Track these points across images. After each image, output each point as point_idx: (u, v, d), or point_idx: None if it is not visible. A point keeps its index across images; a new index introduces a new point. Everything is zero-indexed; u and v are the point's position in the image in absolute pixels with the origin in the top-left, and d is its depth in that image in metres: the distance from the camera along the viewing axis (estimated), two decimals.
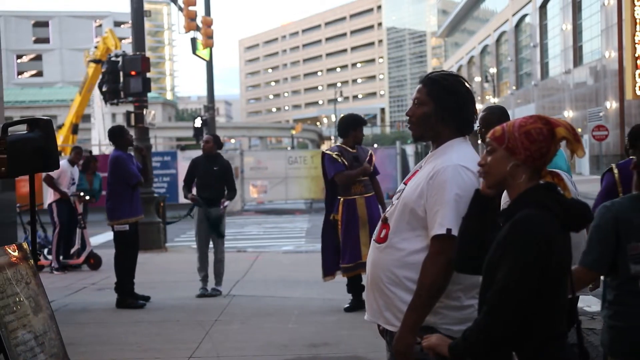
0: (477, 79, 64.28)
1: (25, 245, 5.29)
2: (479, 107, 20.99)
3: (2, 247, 5.11)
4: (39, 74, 68.07)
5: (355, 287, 7.94)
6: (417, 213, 2.85)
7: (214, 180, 9.12)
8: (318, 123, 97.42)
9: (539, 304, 2.35)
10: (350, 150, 7.91)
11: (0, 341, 4.40)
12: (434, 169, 2.87)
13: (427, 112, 2.96)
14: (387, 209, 3.03)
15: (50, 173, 10.95)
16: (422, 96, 2.99)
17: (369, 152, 8.08)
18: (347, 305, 7.95)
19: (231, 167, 9.61)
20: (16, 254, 5.07)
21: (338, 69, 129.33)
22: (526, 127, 2.47)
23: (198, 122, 27.11)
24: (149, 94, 15.11)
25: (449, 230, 2.74)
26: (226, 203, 9.20)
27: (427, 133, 3.01)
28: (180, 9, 21.43)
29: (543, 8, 48.64)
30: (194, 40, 22.43)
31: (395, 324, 2.85)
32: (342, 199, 7.86)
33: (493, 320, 2.34)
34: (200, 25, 22.18)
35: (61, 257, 11.63)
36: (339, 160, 7.82)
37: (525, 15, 52.96)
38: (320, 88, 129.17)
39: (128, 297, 8.48)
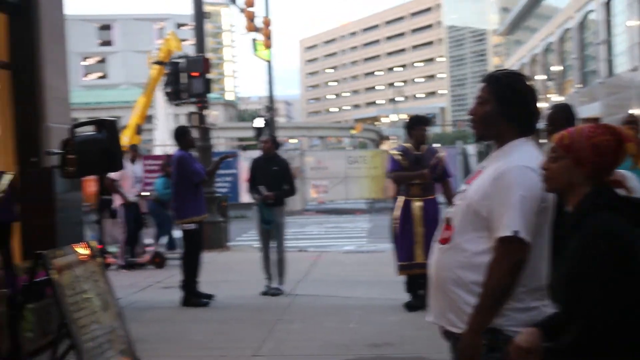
0: (541, 77, 63.21)
1: (93, 244, 5.42)
2: (543, 105, 20.66)
3: (71, 245, 5.25)
4: (104, 76, 69.54)
5: (412, 286, 7.97)
6: (480, 214, 2.82)
7: (274, 180, 9.19)
8: (377, 123, 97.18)
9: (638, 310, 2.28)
10: (415, 150, 7.92)
11: (71, 337, 4.52)
12: (499, 170, 2.83)
13: (490, 110, 2.92)
14: (450, 210, 3.00)
15: (112, 175, 11.18)
16: (485, 95, 2.95)
17: (438, 155, 8.02)
18: (407, 302, 8.00)
19: (289, 166, 9.67)
20: (85, 252, 5.20)
21: (398, 68, 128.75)
22: (595, 139, 2.43)
23: (258, 122, 27.31)
24: (210, 95, 15.29)
25: (515, 232, 2.70)
26: (266, 192, 9.15)
27: (490, 132, 2.97)
28: (240, 10, 21.64)
29: (608, 4, 47.50)
30: (253, 41, 22.62)
31: (459, 325, 2.82)
32: (401, 199, 7.91)
33: (595, 334, 2.27)
34: (260, 26, 22.35)
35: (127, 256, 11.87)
36: (399, 159, 7.88)
37: (590, 11, 51.77)
38: (379, 87, 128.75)
39: (193, 296, 8.60)
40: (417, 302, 7.72)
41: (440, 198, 8.03)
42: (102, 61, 68.51)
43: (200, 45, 15.19)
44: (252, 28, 21.56)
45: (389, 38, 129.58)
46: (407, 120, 8.20)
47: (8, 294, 4.60)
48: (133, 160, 12.19)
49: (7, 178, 4.69)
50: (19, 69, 7.76)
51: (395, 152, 8.09)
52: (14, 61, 7.77)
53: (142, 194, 11.99)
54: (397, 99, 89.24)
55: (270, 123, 26.34)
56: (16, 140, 7.75)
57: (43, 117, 7.83)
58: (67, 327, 4.60)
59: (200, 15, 15.33)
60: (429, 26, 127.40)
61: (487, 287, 2.73)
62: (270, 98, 27.16)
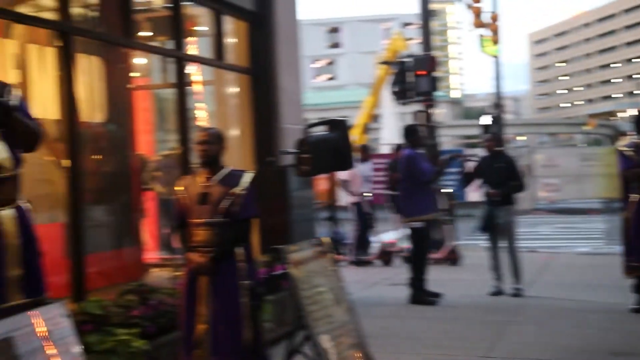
0: None
1: (326, 240, 5.60)
2: None
3: (305, 241, 5.46)
4: (332, 77, 71.79)
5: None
6: None
7: (499, 177, 8.97)
8: (613, 118, 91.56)
9: None
10: None
11: (306, 329, 4.70)
12: None
13: None
14: None
15: (342, 177, 11.50)
16: None
17: None
18: (634, 306, 7.51)
19: (516, 163, 9.39)
20: (318, 248, 5.39)
21: (638, 60, 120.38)
22: None
23: (485, 120, 26.79)
24: (436, 93, 15.24)
25: None
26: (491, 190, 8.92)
27: None
28: (467, 6, 21.37)
29: None
30: (480, 37, 22.24)
31: None
32: (633, 197, 7.45)
33: None
34: (487, 21, 21.93)
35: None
36: (631, 156, 7.43)
37: None
38: (616, 80, 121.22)
39: (421, 293, 8.62)
40: None
41: None
42: (330, 63, 70.85)
43: (426, 43, 15.19)
44: (479, 24, 21.21)
45: (628, 27, 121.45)
46: (637, 115, 7.69)
47: (250, 286, 4.87)
48: (363, 160, 12.44)
49: (249, 176, 4.97)
50: (258, 73, 8.22)
51: (626, 148, 7.62)
52: (254, 66, 8.25)
53: (365, 194, 12.19)
54: (636, 92, 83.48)
55: (497, 120, 25.73)
56: (255, 141, 8.22)
57: (278, 119, 8.23)
58: (303, 318, 4.79)
59: (426, 14, 15.34)
60: None
61: None
62: (498, 94, 26.53)
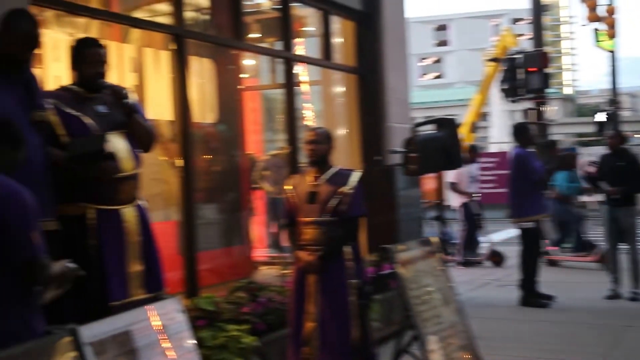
0: None
1: (434, 240, 5.54)
2: None
3: (413, 241, 5.43)
4: (439, 75, 71.07)
5: None
6: None
7: (618, 176, 8.62)
8: None
9: None
10: None
11: (415, 328, 4.66)
12: None
13: None
14: None
15: (450, 179, 11.34)
16: None
17: None
18: None
19: (638, 161, 8.99)
20: (427, 248, 5.34)
21: None
22: None
23: (600, 117, 25.84)
24: (547, 90, 14.83)
25: None
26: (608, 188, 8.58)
27: None
28: (581, 0, 20.68)
29: None
30: (595, 32, 21.48)
31: None
32: None
33: None
34: (603, 15, 21.15)
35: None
36: None
37: None
38: None
39: (532, 295, 8.41)
40: None
41: None
42: (438, 61, 70.14)
43: (538, 39, 14.82)
44: (594, 18, 20.48)
45: None
46: None
47: (358, 285, 4.88)
48: (471, 160, 12.23)
49: (357, 175, 4.98)
50: (365, 73, 8.23)
51: None
52: (361, 66, 8.25)
53: (473, 194, 11.98)
54: None
55: (613, 117, 24.79)
56: (362, 140, 8.22)
57: (385, 118, 8.21)
58: (411, 318, 4.76)
59: (537, 9, 14.94)
60: None
61: None
62: (614, 91, 25.53)
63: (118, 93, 3.92)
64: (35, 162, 3.45)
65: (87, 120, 3.81)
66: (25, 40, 3.43)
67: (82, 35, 6.09)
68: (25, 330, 2.81)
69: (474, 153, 12.43)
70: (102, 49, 3.96)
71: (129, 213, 3.86)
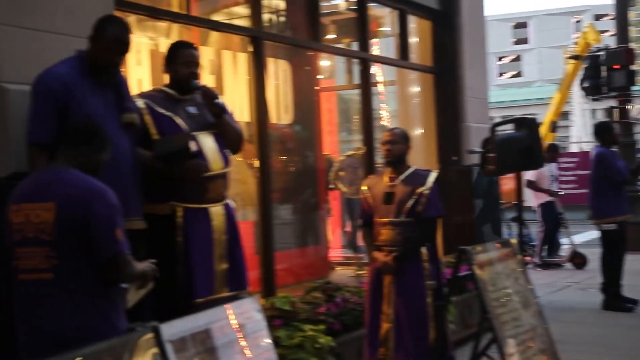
0: None
1: (513, 241, 5.44)
2: None
3: (492, 242, 5.34)
4: (518, 74, 69.84)
5: None
6: None
7: None
8: None
9: None
10: None
11: (493, 331, 4.59)
12: None
13: None
14: None
15: (529, 177, 11.11)
16: None
17: None
18: None
19: None
20: (505, 249, 5.25)
21: None
22: None
23: None
24: (633, 88, 14.39)
25: None
26: None
27: None
28: None
29: None
30: None
31: None
32: None
33: None
34: None
35: (545, 255, 11.73)
36: None
37: None
38: None
39: (615, 299, 8.17)
40: None
41: None
42: (516, 59, 68.92)
43: (622, 35, 14.38)
44: None
45: None
46: None
47: (434, 286, 4.84)
48: (551, 160, 11.96)
49: (434, 176, 4.94)
50: (442, 72, 8.15)
51: None
52: (438, 65, 8.18)
53: (559, 192, 11.71)
54: None
55: None
56: (439, 140, 8.15)
57: (463, 117, 8.12)
58: (489, 321, 4.68)
59: (622, 4, 14.51)
60: None
61: None
62: None
63: (209, 94, 4.00)
64: (124, 164, 3.55)
65: (178, 120, 3.91)
66: (116, 45, 3.52)
67: (162, 38, 6.26)
68: (108, 327, 2.89)
69: (555, 152, 12.16)
70: (196, 51, 4.06)
71: (216, 212, 3.93)
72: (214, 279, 3.89)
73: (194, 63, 4.00)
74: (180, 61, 3.97)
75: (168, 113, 3.90)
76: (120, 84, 3.66)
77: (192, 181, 3.82)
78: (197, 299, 3.75)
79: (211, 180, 3.89)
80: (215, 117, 4.00)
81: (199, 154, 3.75)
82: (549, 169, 11.78)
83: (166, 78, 4.10)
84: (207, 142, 3.93)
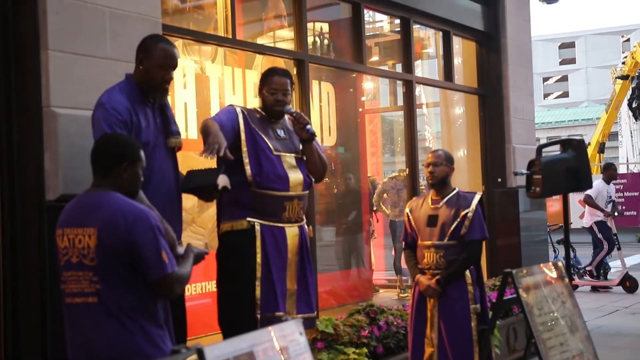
0: None
1: (560, 264, 5.35)
2: None
3: (537, 265, 5.26)
4: (565, 94, 69.11)
5: None
6: None
7: None
8: None
9: None
10: None
11: (539, 356, 4.51)
12: None
13: None
14: None
15: (587, 192, 10.94)
16: None
17: None
18: None
19: None
20: (552, 272, 5.16)
21: None
22: None
23: None
24: None
25: None
26: None
27: None
28: None
29: None
30: None
31: None
32: None
33: None
34: None
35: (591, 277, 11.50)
36: None
37: None
38: None
39: None
40: None
41: None
42: (562, 79, 68.21)
43: None
44: None
45: None
46: None
47: (479, 310, 4.78)
48: (608, 181, 11.75)
49: (478, 198, 4.90)
50: (487, 93, 8.11)
51: None
52: (483, 86, 8.15)
53: (615, 214, 11.49)
54: None
55: None
56: (484, 161, 8.09)
57: (508, 139, 8.05)
58: (535, 346, 4.60)
59: None
60: None
61: None
62: None
63: (300, 120, 4.12)
64: (170, 189, 3.60)
65: (269, 141, 4.02)
66: (167, 60, 3.55)
67: (208, 62, 6.35)
68: (154, 349, 2.91)
69: (611, 170, 11.88)
70: (284, 78, 4.16)
71: (291, 232, 4.02)
72: (286, 298, 3.95)
73: (281, 91, 4.10)
74: (267, 88, 4.11)
75: (260, 132, 4.02)
76: (165, 108, 3.71)
77: (273, 201, 3.92)
78: (279, 311, 3.83)
79: (289, 200, 3.98)
80: (304, 143, 4.13)
81: (227, 190, 3.71)
82: (608, 189, 11.57)
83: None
84: (290, 163, 4.04)
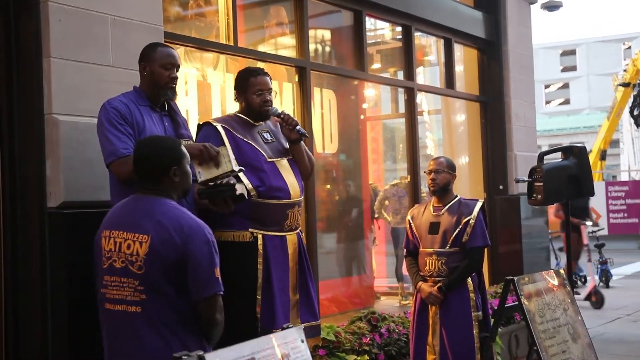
0: None
1: (562, 272, 5.34)
2: None
3: (539, 272, 5.25)
4: (566, 102, 69.13)
5: None
6: None
7: None
8: None
9: None
10: None
11: None
12: None
13: None
14: None
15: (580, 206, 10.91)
16: None
17: None
18: None
19: None
20: (554, 280, 5.16)
21: None
22: None
23: None
24: None
25: None
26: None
27: None
28: None
29: None
30: None
31: None
32: None
33: None
34: None
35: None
36: None
37: None
38: None
39: None
40: None
41: None
42: (564, 87, 68.25)
43: None
44: None
45: None
46: None
47: (481, 317, 4.78)
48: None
49: (479, 205, 4.90)
50: (488, 101, 8.12)
51: None
52: (485, 94, 8.16)
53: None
54: None
55: None
56: (485, 169, 8.09)
57: (509, 146, 8.06)
58: (537, 354, 4.59)
59: None
60: None
61: None
62: None
63: (289, 121, 3.97)
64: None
65: (259, 147, 3.88)
66: (169, 60, 3.57)
67: (210, 69, 6.35)
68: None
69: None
70: (266, 77, 4.00)
71: (291, 240, 3.92)
72: (289, 309, 3.88)
73: (267, 90, 3.96)
74: (252, 90, 3.93)
75: (248, 140, 3.87)
76: (176, 112, 3.72)
77: (274, 210, 3.81)
78: (277, 328, 3.64)
79: (290, 207, 3.88)
80: (293, 144, 3.99)
81: (243, 199, 3.59)
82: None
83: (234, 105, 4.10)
84: (286, 168, 3.93)
